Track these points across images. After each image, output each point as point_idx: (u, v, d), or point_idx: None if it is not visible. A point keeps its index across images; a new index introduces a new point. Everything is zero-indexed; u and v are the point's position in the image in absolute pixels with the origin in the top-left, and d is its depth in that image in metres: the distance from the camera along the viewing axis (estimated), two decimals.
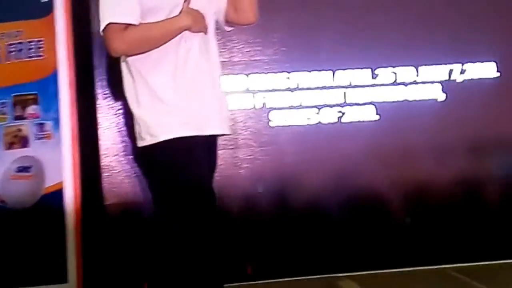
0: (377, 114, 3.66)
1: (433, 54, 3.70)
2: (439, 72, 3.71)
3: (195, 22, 2.26)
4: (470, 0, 3.74)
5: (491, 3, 3.75)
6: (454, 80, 3.72)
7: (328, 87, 3.62)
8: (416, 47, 3.68)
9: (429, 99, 3.70)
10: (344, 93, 3.64)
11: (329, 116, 3.62)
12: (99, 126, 3.40)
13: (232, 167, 3.57)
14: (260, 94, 3.59)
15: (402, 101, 3.68)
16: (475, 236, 3.72)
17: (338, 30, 3.62)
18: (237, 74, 3.57)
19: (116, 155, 3.42)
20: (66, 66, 3.30)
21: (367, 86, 3.66)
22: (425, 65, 3.69)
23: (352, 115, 3.64)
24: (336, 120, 3.63)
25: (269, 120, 3.59)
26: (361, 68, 3.66)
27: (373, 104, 3.66)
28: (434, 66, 3.70)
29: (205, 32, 2.31)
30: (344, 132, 3.64)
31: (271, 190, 3.58)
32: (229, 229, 3.46)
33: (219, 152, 3.50)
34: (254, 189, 3.57)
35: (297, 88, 3.61)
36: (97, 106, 3.41)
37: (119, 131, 3.42)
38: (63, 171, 3.28)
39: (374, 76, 3.66)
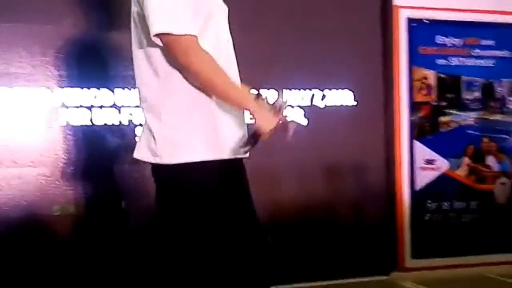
0: None
1: (297, 80, 3.85)
2: (302, 97, 3.86)
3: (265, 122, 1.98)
4: (333, 33, 3.92)
5: (352, 38, 3.97)
6: (316, 106, 3.89)
7: None
8: (281, 72, 3.80)
9: None
10: None
11: None
12: None
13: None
14: (127, 110, 3.55)
15: None
16: (333, 254, 3.88)
17: None
18: (101, 88, 3.52)
19: None
20: None
21: None
22: (289, 89, 3.83)
23: None
24: None
25: (136, 136, 3.55)
26: None
27: None
28: (297, 90, 3.85)
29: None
30: None
31: (136, 207, 3.53)
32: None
33: None
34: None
35: None
36: None
37: None
38: None
39: None
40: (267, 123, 1.97)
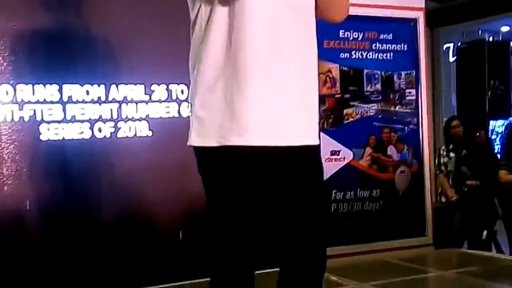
0: (149, 130, 3.67)
1: None
2: None
3: None
4: None
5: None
6: None
7: (103, 101, 3.56)
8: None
9: None
10: (118, 108, 3.60)
11: (103, 131, 3.55)
12: None
13: None
14: (29, 106, 3.40)
15: (175, 117, 3.74)
16: None
17: (113, 44, 3.58)
18: (3, 83, 3.35)
19: None
20: None
21: (141, 102, 3.66)
22: None
23: (126, 130, 3.61)
24: (110, 135, 3.57)
25: (40, 133, 3.41)
26: (135, 84, 3.65)
27: (146, 120, 3.67)
28: None
29: None
30: (118, 147, 3.59)
31: (40, 207, 3.40)
32: None
33: None
34: (20, 207, 3.36)
35: (70, 101, 3.48)
36: None
37: None
38: None
39: (148, 92, 3.68)
40: None
